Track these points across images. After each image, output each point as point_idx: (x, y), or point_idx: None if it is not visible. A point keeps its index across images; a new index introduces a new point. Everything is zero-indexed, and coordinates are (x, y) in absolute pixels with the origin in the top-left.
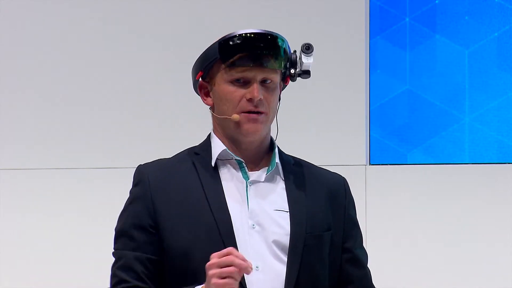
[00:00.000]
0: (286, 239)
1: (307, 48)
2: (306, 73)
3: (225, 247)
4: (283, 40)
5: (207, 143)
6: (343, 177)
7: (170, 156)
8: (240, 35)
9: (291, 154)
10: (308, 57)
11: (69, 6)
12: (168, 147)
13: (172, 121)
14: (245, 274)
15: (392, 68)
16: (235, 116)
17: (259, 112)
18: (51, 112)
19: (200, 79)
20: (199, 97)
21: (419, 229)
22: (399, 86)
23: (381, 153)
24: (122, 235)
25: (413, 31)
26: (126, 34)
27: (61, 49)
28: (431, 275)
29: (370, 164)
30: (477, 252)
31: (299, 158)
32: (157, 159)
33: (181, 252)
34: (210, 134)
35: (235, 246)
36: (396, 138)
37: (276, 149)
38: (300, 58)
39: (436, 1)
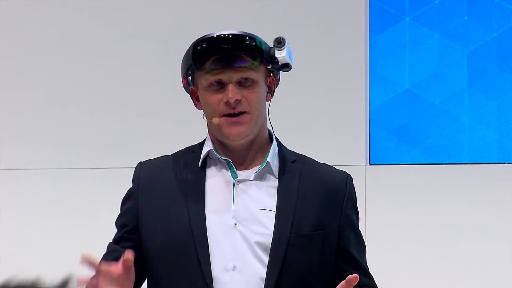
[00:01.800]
0: (268, 239)
1: (278, 42)
2: (285, 66)
3: (195, 248)
4: (251, 37)
5: (202, 143)
6: (348, 175)
7: (173, 153)
8: (206, 38)
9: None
10: (280, 51)
11: (69, 6)
12: (168, 147)
13: (172, 121)
14: (219, 274)
15: (392, 68)
16: (215, 120)
17: (240, 112)
18: (50, 112)
19: (191, 85)
20: None
21: (418, 229)
22: (399, 86)
23: (381, 153)
24: (116, 232)
25: (413, 31)
26: (126, 34)
27: (61, 49)
28: (431, 275)
29: (369, 164)
30: (476, 252)
31: (302, 155)
32: (159, 156)
33: (155, 254)
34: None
35: (205, 246)
36: (395, 138)
37: (272, 148)
38: (274, 53)
39: (436, 1)
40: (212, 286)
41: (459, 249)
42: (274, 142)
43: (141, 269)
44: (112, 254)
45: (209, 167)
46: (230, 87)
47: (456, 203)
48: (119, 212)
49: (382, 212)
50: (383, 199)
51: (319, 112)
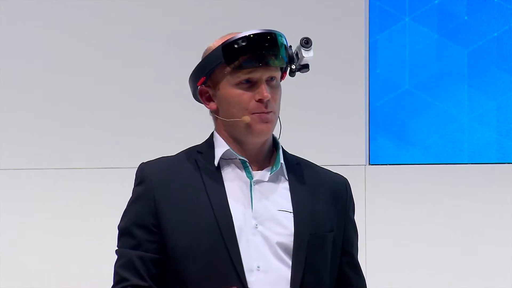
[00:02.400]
0: (289, 240)
1: (306, 42)
2: (305, 67)
3: (226, 247)
4: (283, 37)
5: (210, 143)
6: (345, 178)
7: (172, 154)
8: (243, 37)
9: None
10: (308, 51)
11: (69, 6)
12: (168, 147)
13: (172, 121)
14: (246, 274)
15: (391, 68)
16: (246, 118)
17: (269, 111)
18: (50, 112)
19: (201, 85)
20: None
21: (418, 229)
22: (398, 86)
23: (381, 153)
24: (124, 233)
25: (413, 31)
26: (126, 34)
27: (61, 49)
28: (430, 275)
29: (369, 164)
30: (476, 252)
31: (302, 158)
32: (159, 157)
33: (182, 252)
34: (213, 133)
35: (236, 245)
36: (395, 138)
37: (281, 149)
38: (299, 52)
39: (436, 1)
40: (247, 286)
41: (459, 249)
42: (280, 144)
43: (164, 271)
44: (139, 261)
45: (223, 167)
46: (264, 85)
47: (456, 203)
48: (119, 212)
49: (382, 212)
50: (383, 199)
51: (319, 112)
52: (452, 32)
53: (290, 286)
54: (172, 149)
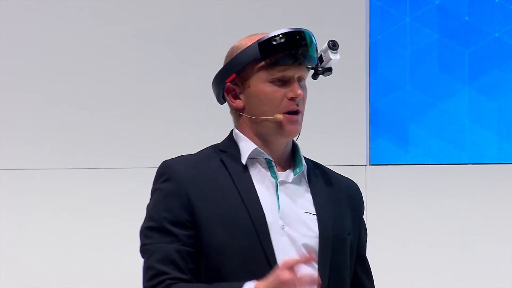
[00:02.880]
0: (314, 242)
1: (334, 45)
2: (329, 70)
3: (261, 246)
4: (314, 37)
5: (232, 141)
6: (356, 183)
7: (194, 153)
8: (282, 34)
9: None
10: (335, 54)
11: (69, 6)
12: (168, 147)
13: (172, 121)
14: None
15: (392, 68)
16: (279, 116)
17: (298, 111)
18: (50, 112)
19: (229, 83)
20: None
21: (419, 229)
22: (399, 86)
23: (381, 153)
24: (156, 230)
25: (413, 31)
26: (126, 34)
27: (61, 49)
28: (431, 275)
29: (370, 164)
30: (477, 252)
31: (316, 161)
32: (180, 155)
33: (217, 250)
34: (233, 132)
35: (271, 246)
36: (396, 138)
37: (300, 151)
38: (323, 55)
39: (436, 2)
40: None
41: (460, 249)
42: (298, 146)
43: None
44: (177, 255)
45: (249, 166)
46: (296, 83)
47: (456, 203)
48: (119, 212)
49: (383, 213)
50: (384, 199)
51: (319, 112)
52: (453, 33)
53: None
54: (173, 149)
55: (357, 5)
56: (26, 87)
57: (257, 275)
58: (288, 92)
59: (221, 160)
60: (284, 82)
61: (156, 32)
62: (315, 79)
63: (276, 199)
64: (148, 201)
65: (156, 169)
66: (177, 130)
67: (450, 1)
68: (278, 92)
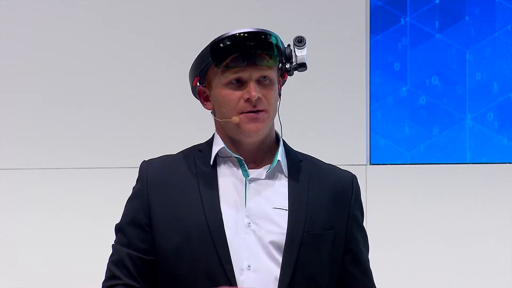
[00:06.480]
0: (282, 238)
1: (299, 41)
2: (302, 66)
3: (215, 247)
4: (273, 36)
5: (210, 141)
6: (353, 175)
7: (177, 152)
8: (229, 36)
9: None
10: (301, 50)
11: (69, 6)
12: (169, 146)
13: (173, 121)
14: (235, 273)
15: (392, 68)
16: (235, 119)
17: (259, 110)
18: (51, 112)
19: (199, 85)
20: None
21: (419, 229)
22: (399, 86)
23: (381, 153)
24: (119, 230)
25: (413, 31)
26: (126, 34)
27: (61, 49)
28: (431, 275)
29: (370, 164)
30: (477, 252)
31: (307, 155)
32: (162, 155)
33: (172, 253)
34: (214, 133)
35: (225, 245)
36: (396, 138)
37: (281, 147)
38: (294, 51)
39: (436, 1)
40: (236, 284)
41: (460, 249)
42: (281, 141)
43: (155, 271)
44: (128, 259)
45: (219, 165)
46: (252, 84)
47: (456, 203)
48: (119, 212)
49: (383, 212)
50: (384, 199)
51: (319, 112)
52: (453, 32)
53: (278, 285)
54: (173, 149)
55: (357, 4)
56: (26, 87)
57: (210, 277)
58: (244, 93)
59: (194, 160)
60: (242, 83)
61: (156, 32)
62: (291, 75)
63: (244, 197)
64: None
65: None
66: (178, 130)
67: (450, 1)
68: (233, 94)
